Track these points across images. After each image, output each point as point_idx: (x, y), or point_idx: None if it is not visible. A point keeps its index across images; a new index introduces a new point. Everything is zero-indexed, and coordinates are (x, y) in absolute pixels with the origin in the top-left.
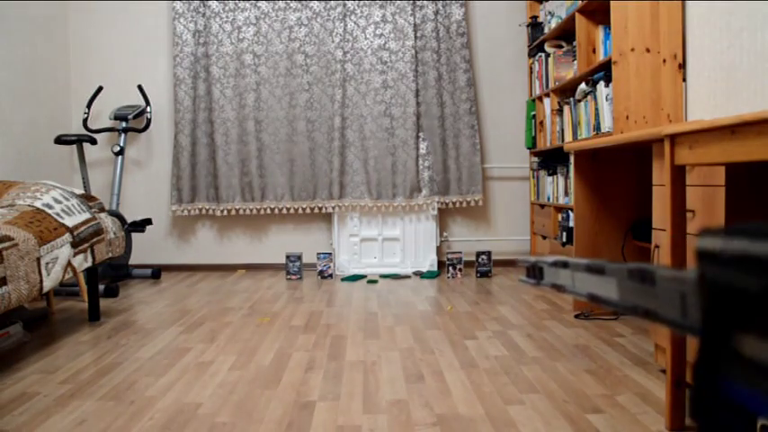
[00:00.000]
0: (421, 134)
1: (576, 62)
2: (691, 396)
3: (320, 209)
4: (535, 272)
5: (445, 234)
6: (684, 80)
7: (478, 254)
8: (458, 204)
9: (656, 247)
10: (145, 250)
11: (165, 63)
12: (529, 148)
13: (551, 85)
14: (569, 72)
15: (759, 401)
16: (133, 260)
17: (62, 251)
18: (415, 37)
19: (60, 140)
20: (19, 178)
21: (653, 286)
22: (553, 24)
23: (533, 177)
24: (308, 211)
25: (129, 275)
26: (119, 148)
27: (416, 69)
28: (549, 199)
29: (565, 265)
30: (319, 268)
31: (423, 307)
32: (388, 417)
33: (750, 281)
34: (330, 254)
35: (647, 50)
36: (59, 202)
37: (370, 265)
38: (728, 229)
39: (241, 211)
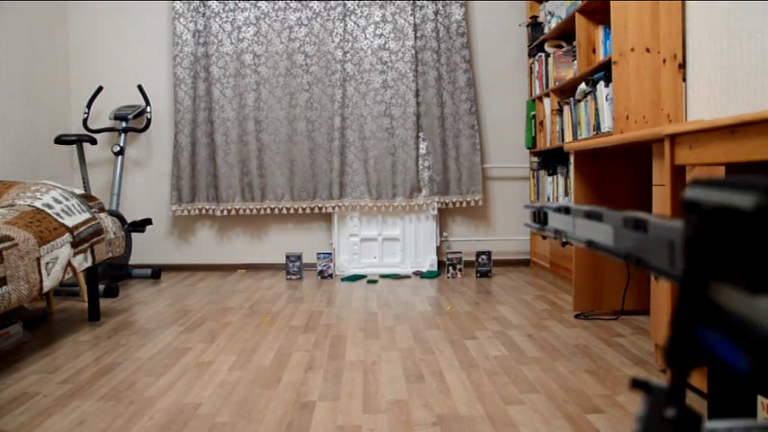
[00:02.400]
0: (421, 134)
1: (576, 62)
2: (666, 344)
3: (320, 209)
4: (540, 217)
5: (445, 234)
6: (684, 80)
7: (478, 254)
8: (458, 204)
9: None
10: (145, 250)
11: (165, 63)
12: (529, 148)
13: (551, 85)
14: (569, 72)
15: (730, 351)
16: (133, 260)
17: (62, 251)
18: (415, 37)
19: (60, 140)
20: (19, 178)
21: (645, 233)
22: (553, 24)
23: (533, 177)
24: (307, 211)
25: (129, 275)
26: (119, 148)
27: (416, 69)
28: (549, 199)
29: (567, 210)
30: (319, 268)
31: (423, 307)
32: (388, 417)
33: (727, 231)
34: (330, 254)
35: (647, 50)
36: (59, 202)
37: (370, 265)
38: (714, 181)
39: (241, 211)
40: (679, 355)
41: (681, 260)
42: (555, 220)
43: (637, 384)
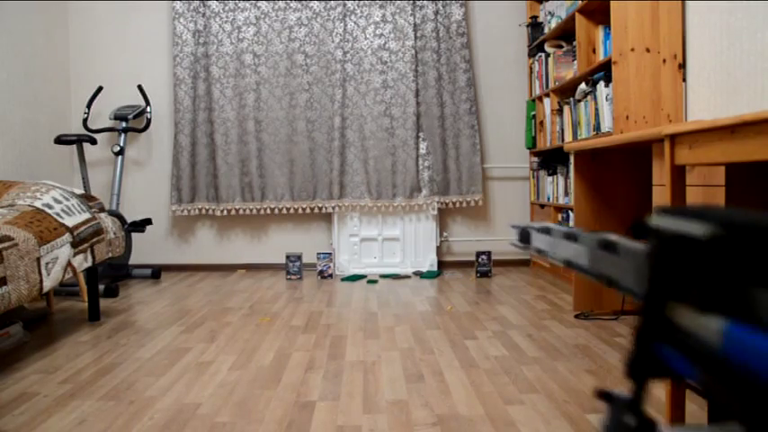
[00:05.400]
0: (421, 134)
1: (576, 62)
2: (628, 358)
3: (320, 209)
4: (524, 236)
5: (445, 234)
6: (684, 80)
7: (478, 254)
8: (458, 204)
9: None
10: (145, 250)
11: (165, 63)
12: (529, 148)
13: (551, 85)
14: (569, 72)
15: (684, 364)
16: (133, 260)
17: (62, 251)
18: (415, 37)
19: (60, 140)
20: (19, 178)
21: (616, 256)
22: (553, 24)
23: (533, 177)
24: (307, 211)
25: (129, 275)
26: (119, 148)
27: (416, 69)
28: (549, 199)
29: (548, 231)
30: (319, 268)
31: (423, 307)
32: (388, 417)
33: (684, 257)
34: (330, 254)
35: (647, 50)
36: (59, 202)
37: (370, 265)
38: (676, 209)
39: (241, 211)
40: (639, 368)
41: (644, 281)
42: (537, 240)
43: (601, 395)
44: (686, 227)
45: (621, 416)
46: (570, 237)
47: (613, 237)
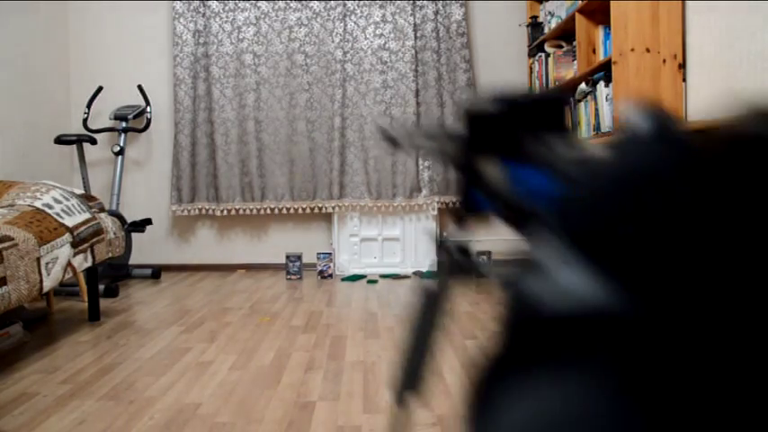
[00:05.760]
0: None
1: (575, 62)
2: (453, 208)
3: (320, 209)
4: (388, 137)
5: (445, 234)
6: (684, 80)
7: (478, 254)
8: (458, 204)
9: None
10: (145, 250)
11: (165, 63)
12: None
13: (551, 85)
14: (569, 72)
15: (485, 201)
16: (133, 260)
17: (62, 251)
18: (415, 37)
19: (60, 140)
20: (19, 178)
21: (452, 140)
22: (553, 24)
23: None
24: (307, 210)
25: (129, 275)
26: (119, 148)
27: (416, 69)
28: None
29: (408, 131)
30: (319, 268)
31: None
32: (389, 417)
33: (483, 126)
34: (330, 254)
35: (647, 50)
36: (59, 202)
37: (370, 265)
38: (482, 97)
39: (241, 211)
40: (461, 211)
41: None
42: (399, 137)
43: (437, 242)
44: (485, 106)
45: (450, 251)
46: (425, 134)
47: (454, 127)
